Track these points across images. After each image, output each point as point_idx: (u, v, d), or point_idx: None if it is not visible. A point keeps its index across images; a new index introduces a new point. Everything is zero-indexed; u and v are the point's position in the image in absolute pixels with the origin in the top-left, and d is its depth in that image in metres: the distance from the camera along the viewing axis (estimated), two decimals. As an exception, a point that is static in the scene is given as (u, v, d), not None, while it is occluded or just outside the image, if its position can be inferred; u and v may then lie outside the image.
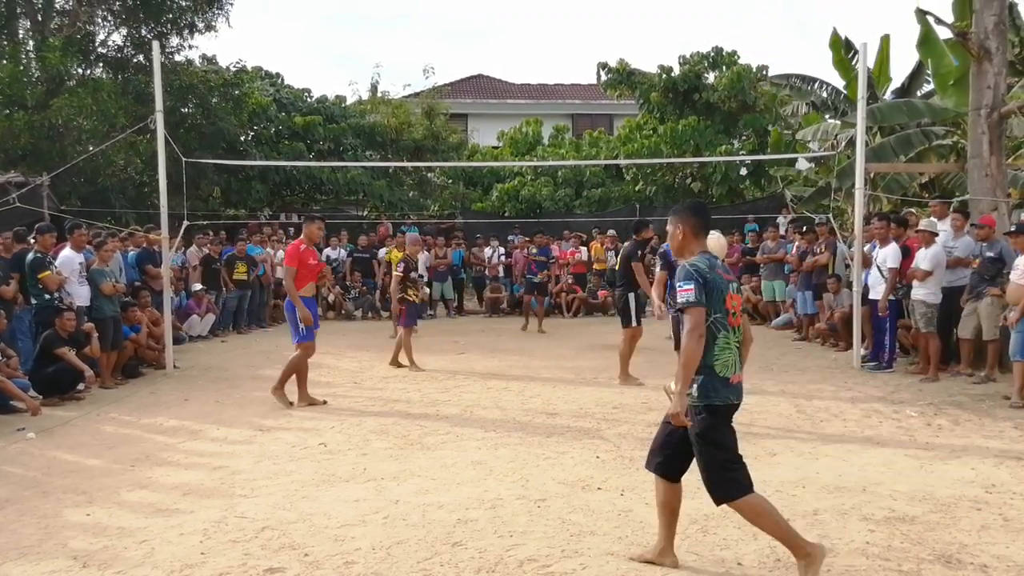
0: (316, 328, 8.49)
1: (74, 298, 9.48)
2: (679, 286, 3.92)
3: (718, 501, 4.02)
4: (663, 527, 4.23)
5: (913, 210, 12.91)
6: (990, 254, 9.24)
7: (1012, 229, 8.85)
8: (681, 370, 3.85)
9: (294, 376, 8.46)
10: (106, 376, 9.61)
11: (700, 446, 3.97)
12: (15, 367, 8.64)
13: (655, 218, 19.94)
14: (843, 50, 17.05)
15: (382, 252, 17.33)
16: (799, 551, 3.89)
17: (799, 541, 3.91)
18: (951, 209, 10.53)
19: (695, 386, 3.91)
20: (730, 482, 3.96)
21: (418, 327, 11.20)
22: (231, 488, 5.67)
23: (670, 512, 4.22)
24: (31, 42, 17.14)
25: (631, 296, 9.49)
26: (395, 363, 10.80)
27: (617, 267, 9.76)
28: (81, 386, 9.02)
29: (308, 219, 8.95)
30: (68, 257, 9.70)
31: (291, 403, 8.39)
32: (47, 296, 9.24)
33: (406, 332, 10.71)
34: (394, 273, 11.05)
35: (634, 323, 9.54)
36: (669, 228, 4.22)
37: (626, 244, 9.86)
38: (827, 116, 18.34)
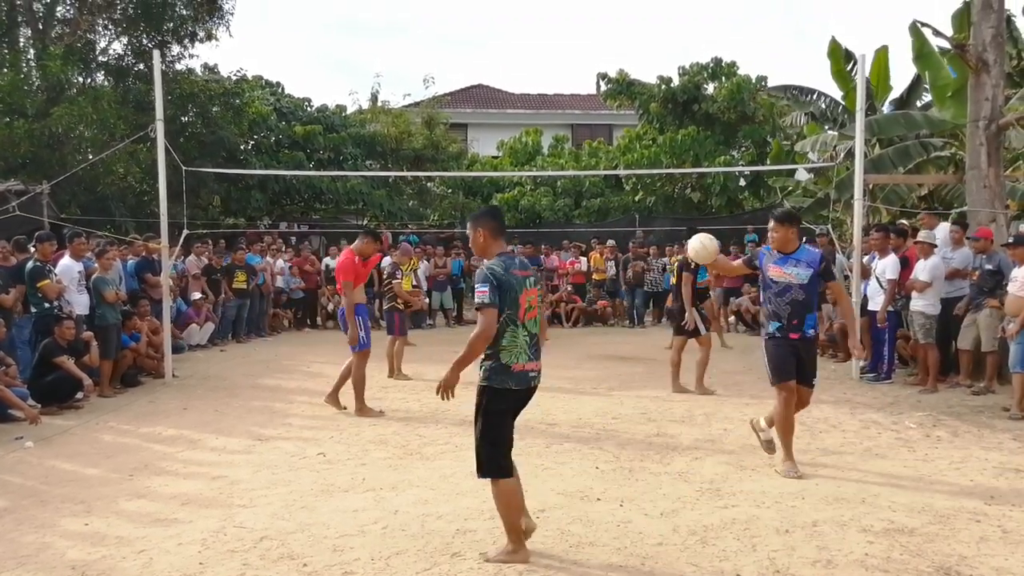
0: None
1: (73, 306, 9.48)
2: (476, 287, 4.34)
3: (481, 475, 4.46)
4: (519, 526, 4.46)
5: (904, 221, 12.92)
6: (988, 266, 9.25)
7: (1010, 241, 8.86)
8: (462, 357, 4.31)
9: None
10: (105, 385, 9.60)
11: (479, 420, 4.43)
12: (14, 376, 8.63)
13: (655, 228, 20.12)
14: (842, 60, 17.12)
15: (385, 261, 17.32)
16: (515, 536, 4.41)
17: (518, 536, 4.41)
18: (950, 221, 10.55)
19: (484, 369, 4.38)
20: (492, 460, 4.39)
21: (403, 337, 11.06)
22: (230, 498, 5.66)
23: (520, 508, 4.51)
24: (32, 50, 17.22)
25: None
26: (399, 374, 10.79)
27: (675, 280, 9.69)
28: (80, 395, 9.01)
29: (365, 234, 8.81)
30: (67, 265, 9.70)
31: (380, 411, 8.45)
32: (46, 305, 9.24)
33: (400, 341, 10.75)
34: (392, 282, 11.06)
35: (702, 331, 9.54)
36: (469, 233, 4.63)
37: (681, 256, 9.69)
38: (826, 127, 18.39)
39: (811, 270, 6.07)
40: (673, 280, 9.74)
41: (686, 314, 9.37)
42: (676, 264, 9.67)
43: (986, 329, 9.15)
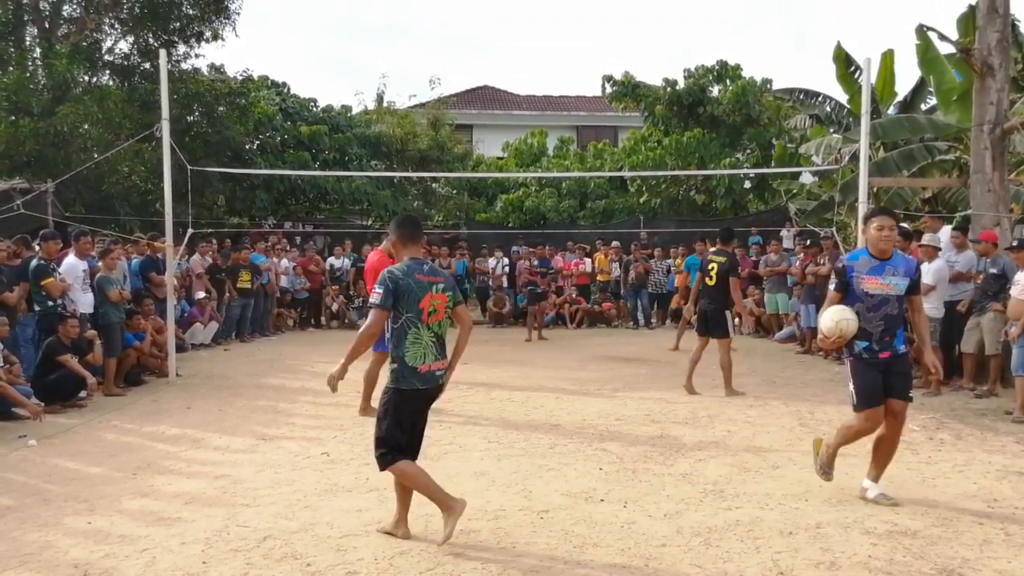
0: None
1: (77, 305, 9.51)
2: (374, 289, 4.72)
3: (380, 468, 4.77)
4: (441, 493, 4.73)
5: (906, 224, 12.90)
6: (993, 270, 9.24)
7: (1014, 244, 8.85)
8: (349, 352, 4.67)
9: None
10: (109, 383, 9.62)
11: (380, 419, 4.74)
12: (17, 374, 8.65)
13: (660, 230, 20.11)
14: (846, 64, 17.11)
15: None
16: (444, 506, 4.66)
17: (443, 497, 4.67)
18: (953, 225, 10.54)
19: (392, 372, 4.68)
20: (384, 456, 4.71)
21: None
22: (233, 497, 5.67)
23: (405, 490, 4.85)
24: (38, 49, 17.25)
25: (727, 311, 9.52)
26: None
27: (712, 282, 9.52)
28: (83, 393, 9.03)
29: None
30: (72, 264, 9.72)
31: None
32: (50, 303, 9.26)
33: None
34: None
35: (731, 334, 9.57)
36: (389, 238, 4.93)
37: (722, 258, 9.58)
38: (831, 130, 18.36)
39: (907, 279, 5.44)
40: (710, 282, 9.50)
41: (731, 316, 9.49)
42: (716, 267, 9.48)
43: (989, 332, 9.14)
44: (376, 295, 4.63)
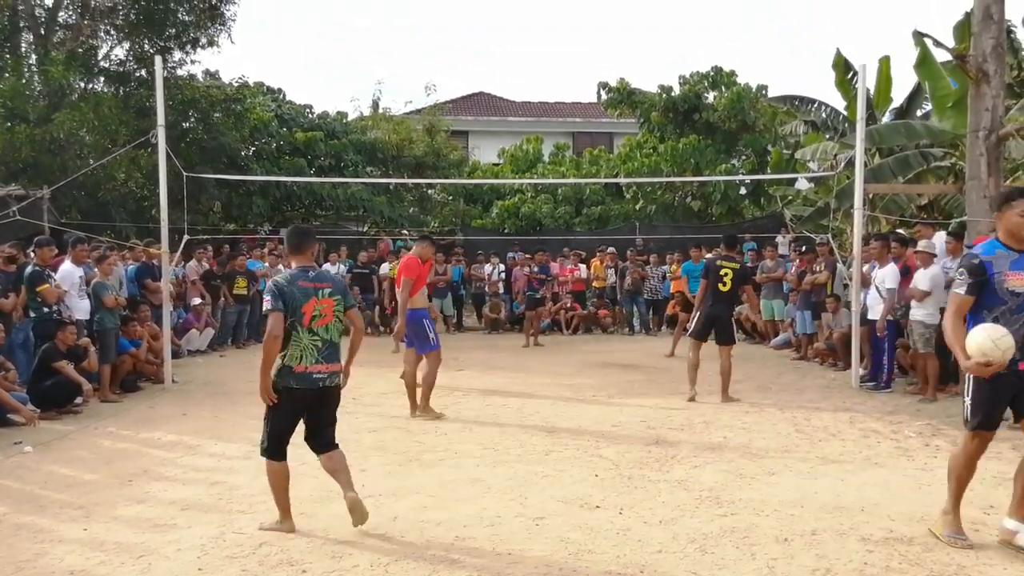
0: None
1: (73, 311, 9.49)
2: (264, 297, 5.10)
3: (261, 454, 5.11)
4: (285, 503, 5.15)
5: (902, 231, 12.96)
6: None
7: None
8: (262, 361, 4.93)
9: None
10: (105, 390, 9.60)
11: (266, 413, 5.06)
12: (13, 380, 8.63)
13: (655, 236, 20.13)
14: (845, 71, 17.19)
15: (384, 268, 17.37)
16: (282, 513, 5.10)
17: (285, 506, 5.10)
18: (948, 231, 10.58)
19: (275, 369, 4.94)
20: (269, 444, 5.05)
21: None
22: (229, 504, 5.66)
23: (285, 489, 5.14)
24: (34, 56, 17.23)
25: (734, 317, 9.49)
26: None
27: (727, 288, 9.47)
28: (79, 400, 9.01)
29: (422, 238, 9.24)
30: (68, 271, 9.71)
31: (441, 414, 8.58)
32: (46, 309, 9.25)
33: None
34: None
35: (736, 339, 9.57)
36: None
37: (735, 264, 9.60)
38: (826, 136, 18.43)
39: None
40: (723, 288, 9.44)
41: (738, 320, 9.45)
42: (731, 273, 9.44)
43: None
44: (267, 302, 4.97)
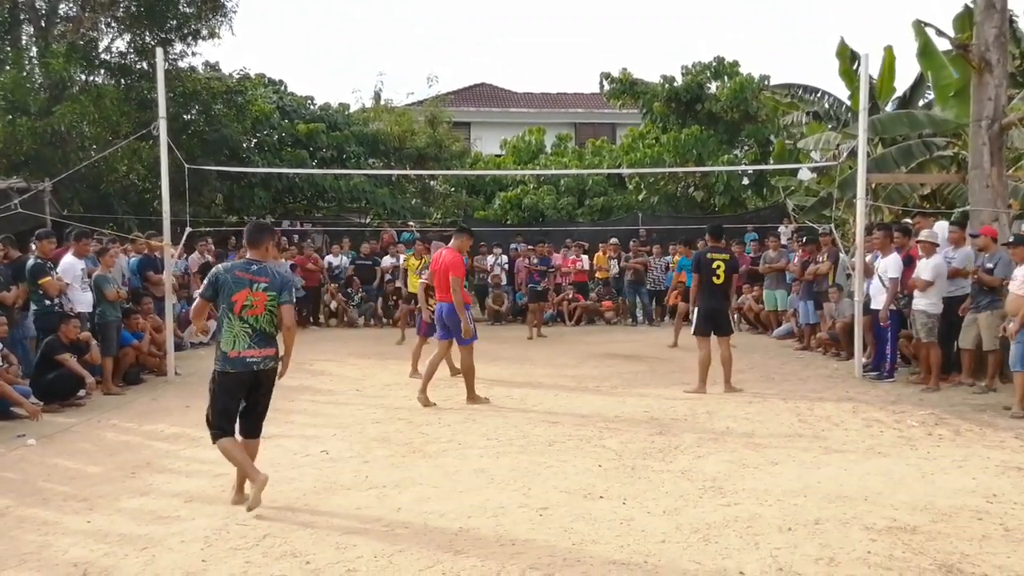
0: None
1: (75, 304, 9.50)
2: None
3: (213, 441, 5.43)
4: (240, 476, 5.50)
5: (909, 220, 12.92)
6: (989, 266, 9.25)
7: (1011, 240, 8.85)
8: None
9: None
10: (108, 382, 9.61)
11: (209, 396, 5.42)
12: (16, 373, 8.64)
13: (659, 227, 20.10)
14: (850, 60, 17.11)
15: (385, 259, 17.35)
16: (250, 477, 5.32)
17: (250, 471, 5.32)
18: (951, 221, 10.55)
19: (215, 357, 5.35)
20: (213, 426, 5.39)
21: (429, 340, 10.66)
22: (233, 495, 5.66)
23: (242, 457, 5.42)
24: (34, 48, 17.22)
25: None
26: (454, 372, 10.46)
27: (720, 280, 9.45)
28: (82, 392, 9.02)
29: (460, 231, 9.37)
30: (70, 263, 9.71)
31: (487, 399, 8.92)
32: (47, 302, 9.26)
33: (420, 340, 10.63)
34: (420, 281, 10.82)
35: (734, 329, 9.58)
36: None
37: (725, 255, 9.59)
38: (829, 126, 18.37)
39: None
40: (718, 280, 9.42)
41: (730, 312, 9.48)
42: (723, 265, 9.41)
43: (987, 329, 9.15)
44: (200, 288, 5.48)
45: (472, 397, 8.88)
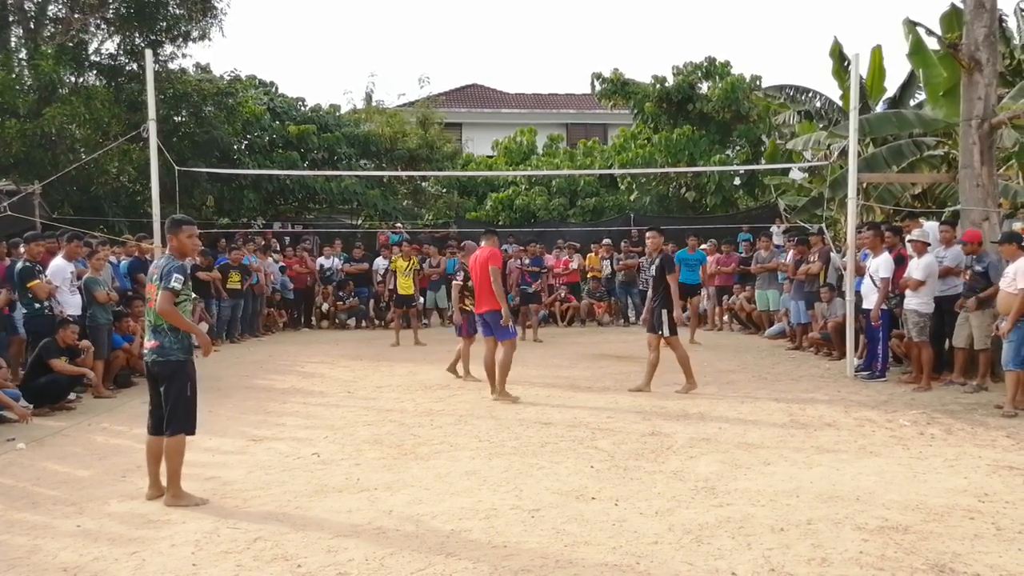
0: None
1: (65, 307, 9.44)
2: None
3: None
4: (153, 474, 5.72)
5: (902, 223, 12.96)
6: (978, 268, 9.30)
7: (1001, 238, 8.89)
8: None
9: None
10: (99, 386, 9.55)
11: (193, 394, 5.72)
12: (5, 376, 8.59)
13: (650, 228, 20.06)
14: (840, 60, 17.17)
15: (378, 262, 17.30)
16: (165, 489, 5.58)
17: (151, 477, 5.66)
18: (941, 220, 10.60)
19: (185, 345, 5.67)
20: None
21: (470, 338, 10.67)
22: (223, 499, 5.64)
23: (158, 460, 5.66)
24: (24, 50, 17.11)
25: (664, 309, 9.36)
26: (452, 370, 10.62)
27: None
28: (72, 396, 8.97)
29: (490, 233, 9.72)
30: (60, 266, 9.66)
31: (517, 397, 9.06)
32: (37, 305, 9.20)
33: (466, 342, 10.56)
34: (453, 282, 10.91)
35: (669, 333, 9.38)
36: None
37: (662, 255, 9.59)
38: (820, 126, 18.40)
39: None
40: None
41: (673, 313, 9.32)
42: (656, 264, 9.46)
43: (978, 327, 9.18)
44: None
45: (503, 394, 9.06)
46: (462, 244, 12.61)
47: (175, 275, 5.49)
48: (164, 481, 5.60)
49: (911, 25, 12.53)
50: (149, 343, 5.61)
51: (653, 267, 9.75)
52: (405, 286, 14.19)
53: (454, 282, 10.84)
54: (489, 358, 9.33)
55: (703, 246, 16.83)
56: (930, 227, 10.54)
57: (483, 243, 9.54)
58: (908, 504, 5.31)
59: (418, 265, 15.05)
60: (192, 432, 5.62)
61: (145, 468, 6.45)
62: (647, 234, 10.00)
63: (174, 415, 5.52)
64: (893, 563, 4.35)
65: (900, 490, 5.62)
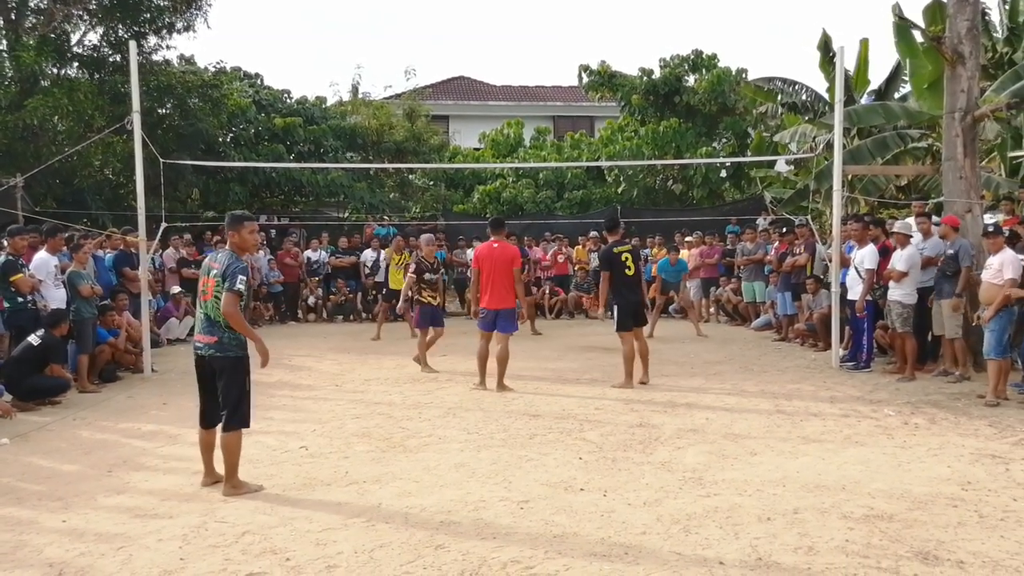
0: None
1: (48, 302, 9.37)
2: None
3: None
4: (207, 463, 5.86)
5: (893, 215, 13.05)
6: (950, 251, 9.46)
7: (989, 230, 8.98)
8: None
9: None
10: (83, 380, 9.50)
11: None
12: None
13: (638, 220, 20.15)
14: (826, 52, 17.24)
15: (366, 253, 17.25)
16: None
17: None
18: (918, 212, 10.70)
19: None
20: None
21: (441, 328, 10.76)
22: (211, 493, 5.63)
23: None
24: (4, 41, 16.89)
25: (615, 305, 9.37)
26: (422, 363, 10.59)
27: (632, 272, 9.36)
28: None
29: (500, 223, 9.62)
30: (43, 260, 9.57)
31: (511, 388, 9.15)
32: (20, 299, 9.13)
33: (422, 333, 10.61)
34: (407, 275, 10.80)
35: (616, 328, 9.39)
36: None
37: (628, 246, 9.54)
38: (805, 118, 18.49)
39: None
40: (630, 272, 9.30)
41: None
42: (631, 257, 9.32)
43: (948, 317, 9.32)
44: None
45: (503, 386, 9.15)
46: (408, 239, 12.60)
47: (240, 276, 5.52)
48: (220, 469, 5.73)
49: (898, 15, 12.60)
50: (205, 337, 5.59)
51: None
52: (396, 280, 14.17)
53: (408, 275, 10.70)
54: (484, 351, 9.31)
55: (688, 238, 16.88)
56: (912, 220, 10.64)
57: (492, 237, 9.37)
58: (893, 493, 5.36)
59: (408, 259, 15.01)
60: (248, 425, 5.66)
61: (132, 462, 6.47)
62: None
63: (232, 410, 5.54)
64: (878, 551, 4.39)
65: (885, 479, 5.67)
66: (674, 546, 4.51)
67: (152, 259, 12.57)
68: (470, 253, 18.09)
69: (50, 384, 8.78)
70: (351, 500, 5.40)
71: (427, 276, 10.52)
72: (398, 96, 26.04)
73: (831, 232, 11.24)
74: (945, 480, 5.66)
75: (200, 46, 55.54)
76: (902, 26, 12.75)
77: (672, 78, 22.55)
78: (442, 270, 11.76)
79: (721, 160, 21.73)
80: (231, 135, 21.08)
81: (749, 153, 21.26)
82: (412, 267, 10.60)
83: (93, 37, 17.67)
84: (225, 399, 5.56)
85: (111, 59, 17.41)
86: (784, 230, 14.21)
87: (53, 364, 8.83)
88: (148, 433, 7.48)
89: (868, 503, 5.16)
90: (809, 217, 13.20)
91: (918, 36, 12.92)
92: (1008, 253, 8.42)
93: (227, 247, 5.74)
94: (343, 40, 67.40)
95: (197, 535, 4.80)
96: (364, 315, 16.98)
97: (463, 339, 13.33)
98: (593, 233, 18.28)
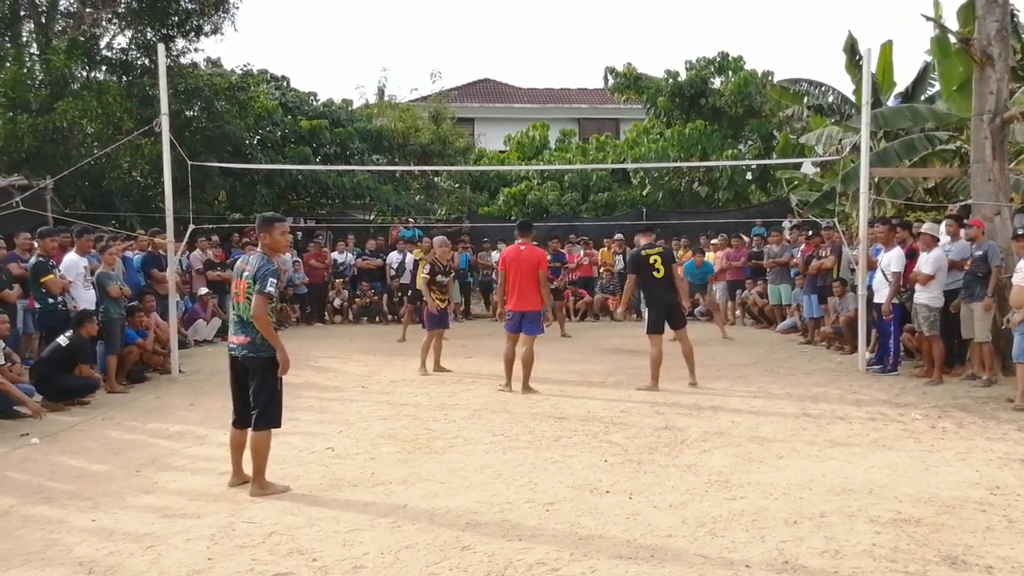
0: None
1: (78, 302, 9.49)
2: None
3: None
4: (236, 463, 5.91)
5: (922, 218, 12.92)
6: (979, 253, 9.36)
7: (1019, 233, 8.87)
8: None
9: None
10: (112, 380, 9.62)
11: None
12: (19, 372, 8.66)
13: (663, 223, 20.06)
14: (854, 54, 17.09)
15: (392, 255, 17.31)
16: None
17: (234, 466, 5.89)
18: (946, 215, 10.60)
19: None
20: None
21: (442, 331, 10.82)
22: (238, 493, 5.68)
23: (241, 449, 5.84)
24: (35, 44, 17.16)
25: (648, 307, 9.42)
26: (438, 368, 10.74)
27: (661, 275, 9.38)
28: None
29: (528, 226, 9.71)
30: (73, 261, 9.71)
31: (537, 391, 9.17)
32: (50, 300, 9.26)
33: (428, 335, 10.66)
34: (420, 276, 10.85)
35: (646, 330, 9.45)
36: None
37: (659, 248, 9.56)
38: (832, 120, 18.33)
39: None
40: (658, 275, 9.35)
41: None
42: (659, 259, 9.36)
43: (978, 320, 9.21)
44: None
45: (528, 388, 9.16)
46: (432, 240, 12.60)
47: (270, 279, 5.58)
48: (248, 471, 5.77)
49: (928, 19, 12.46)
50: (239, 338, 5.70)
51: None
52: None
53: (421, 275, 10.72)
54: (511, 353, 9.34)
55: (713, 240, 16.79)
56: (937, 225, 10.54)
57: (519, 240, 9.40)
58: (920, 497, 5.31)
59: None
60: (278, 425, 5.71)
61: (160, 462, 6.55)
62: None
63: (263, 410, 5.59)
64: (906, 555, 4.35)
65: (912, 483, 5.61)
66: (700, 549, 4.49)
67: (180, 261, 12.69)
68: (495, 255, 18.14)
69: (79, 384, 8.91)
70: (377, 501, 5.42)
71: (439, 278, 10.57)
72: (424, 99, 26.16)
73: (858, 235, 11.13)
74: (973, 484, 5.59)
75: (227, 49, 56.25)
76: (941, 31, 12.62)
77: (698, 80, 22.47)
78: (453, 272, 11.78)
79: (747, 162, 21.61)
80: (258, 137, 21.25)
81: (775, 155, 21.12)
82: (427, 268, 10.66)
83: (122, 40, 17.91)
84: (256, 399, 5.61)
85: (139, 62, 17.62)
86: (810, 233, 14.10)
87: (82, 364, 8.96)
88: (176, 433, 7.56)
89: (895, 507, 5.11)
90: (835, 220, 13.08)
91: (950, 37, 12.75)
92: (1038, 256, 8.30)
93: (258, 249, 5.78)
94: (369, 43, 67.77)
95: (225, 535, 4.85)
96: (390, 317, 17.05)
97: (488, 341, 13.36)
98: (618, 236, 18.25)
